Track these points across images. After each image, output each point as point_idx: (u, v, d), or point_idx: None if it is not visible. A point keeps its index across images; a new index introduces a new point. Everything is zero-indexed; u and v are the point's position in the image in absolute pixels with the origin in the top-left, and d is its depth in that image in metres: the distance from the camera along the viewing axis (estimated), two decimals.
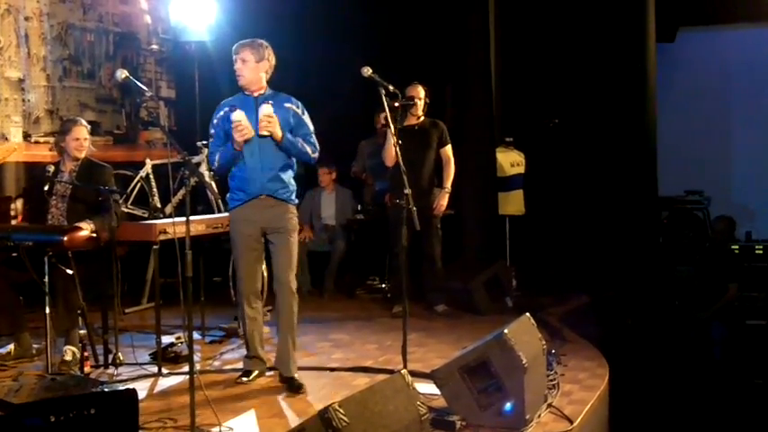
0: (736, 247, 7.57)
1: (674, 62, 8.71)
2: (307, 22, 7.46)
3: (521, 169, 7.49)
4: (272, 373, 4.51)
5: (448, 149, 6.07)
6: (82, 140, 4.84)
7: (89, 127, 4.97)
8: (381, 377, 3.72)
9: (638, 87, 7.53)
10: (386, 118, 4.28)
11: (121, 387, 3.24)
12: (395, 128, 4.28)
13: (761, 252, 7.53)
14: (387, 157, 5.76)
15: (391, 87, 4.14)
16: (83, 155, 4.86)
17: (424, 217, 4.67)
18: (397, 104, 4.38)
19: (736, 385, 5.90)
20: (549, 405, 3.82)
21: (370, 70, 4.09)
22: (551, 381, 4.13)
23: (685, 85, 8.82)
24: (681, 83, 8.77)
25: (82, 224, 4.55)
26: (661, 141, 7.79)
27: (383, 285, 7.06)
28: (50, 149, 5.04)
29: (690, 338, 6.60)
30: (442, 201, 5.98)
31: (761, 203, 8.64)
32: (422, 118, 6.04)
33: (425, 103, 6.02)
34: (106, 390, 3.16)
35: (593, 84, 7.56)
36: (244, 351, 4.97)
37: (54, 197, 4.81)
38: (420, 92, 5.98)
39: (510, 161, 7.44)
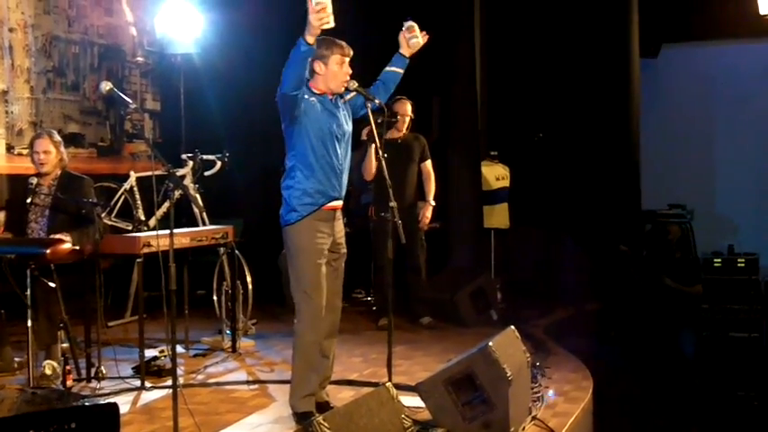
0: (719, 260, 7.62)
1: (658, 77, 8.79)
2: (293, 35, 7.45)
3: (506, 183, 7.53)
4: (256, 386, 4.50)
5: (428, 164, 6.09)
6: (41, 153, 4.75)
7: (58, 139, 4.87)
8: (366, 390, 3.70)
9: (621, 102, 7.60)
10: (370, 132, 4.27)
11: (102, 401, 3.22)
12: (380, 142, 4.28)
13: (743, 265, 7.60)
14: (366, 171, 5.77)
15: (377, 101, 4.14)
16: (45, 169, 4.79)
17: (408, 229, 4.68)
18: (381, 120, 4.38)
19: (719, 397, 5.93)
20: (534, 417, 3.82)
21: (356, 83, 4.09)
22: (536, 393, 4.14)
23: (669, 99, 8.89)
24: (664, 97, 8.85)
25: (60, 235, 4.52)
26: (644, 155, 7.86)
27: (369, 298, 7.05)
28: None
29: (673, 351, 6.63)
30: (427, 213, 6.00)
31: (743, 217, 8.70)
32: (404, 132, 6.07)
33: (411, 118, 6.04)
34: (87, 404, 3.14)
35: (577, 98, 7.63)
36: (227, 365, 4.99)
37: (33, 209, 4.78)
38: (407, 108, 6.00)
39: (495, 175, 7.48)
